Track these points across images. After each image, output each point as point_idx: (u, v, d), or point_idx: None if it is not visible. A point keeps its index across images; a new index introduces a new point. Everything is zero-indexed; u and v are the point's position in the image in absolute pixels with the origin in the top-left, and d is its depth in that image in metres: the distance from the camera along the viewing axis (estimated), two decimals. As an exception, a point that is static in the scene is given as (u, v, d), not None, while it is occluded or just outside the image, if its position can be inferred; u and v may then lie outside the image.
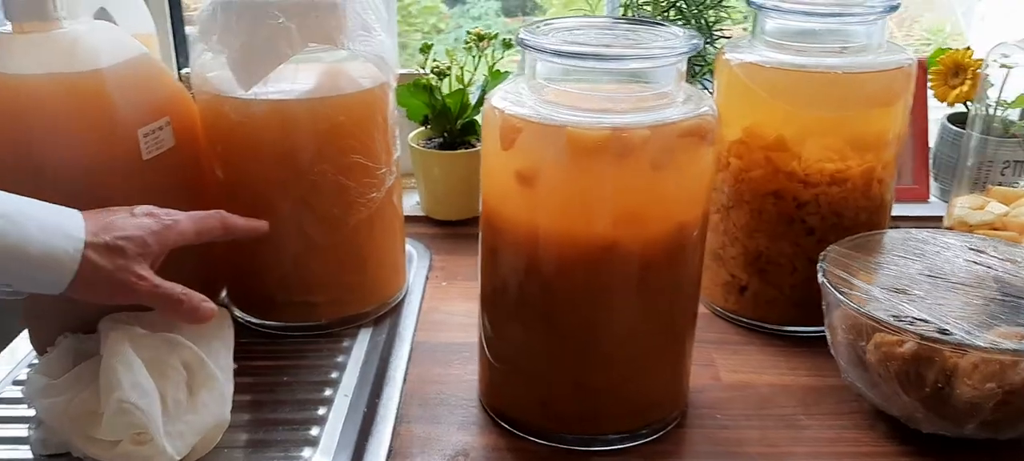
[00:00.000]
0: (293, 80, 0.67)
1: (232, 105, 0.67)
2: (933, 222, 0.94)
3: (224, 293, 0.80)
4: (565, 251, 0.57)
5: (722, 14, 0.97)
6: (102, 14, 0.72)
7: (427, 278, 0.88)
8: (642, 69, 0.55)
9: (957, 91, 0.93)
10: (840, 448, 0.63)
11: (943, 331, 0.57)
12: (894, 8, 0.69)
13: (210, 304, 0.60)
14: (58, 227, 0.54)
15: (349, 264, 0.75)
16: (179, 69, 1.14)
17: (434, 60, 0.96)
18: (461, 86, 0.97)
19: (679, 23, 0.96)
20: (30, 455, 0.61)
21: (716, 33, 0.97)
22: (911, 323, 0.58)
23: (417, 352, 0.75)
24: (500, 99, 0.57)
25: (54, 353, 0.62)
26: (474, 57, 0.97)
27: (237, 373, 0.66)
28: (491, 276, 0.62)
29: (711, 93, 0.79)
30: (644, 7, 0.97)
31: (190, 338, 0.61)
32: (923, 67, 1.02)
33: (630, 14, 0.98)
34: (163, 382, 0.58)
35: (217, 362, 0.62)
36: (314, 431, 0.64)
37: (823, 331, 0.67)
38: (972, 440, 0.61)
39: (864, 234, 0.71)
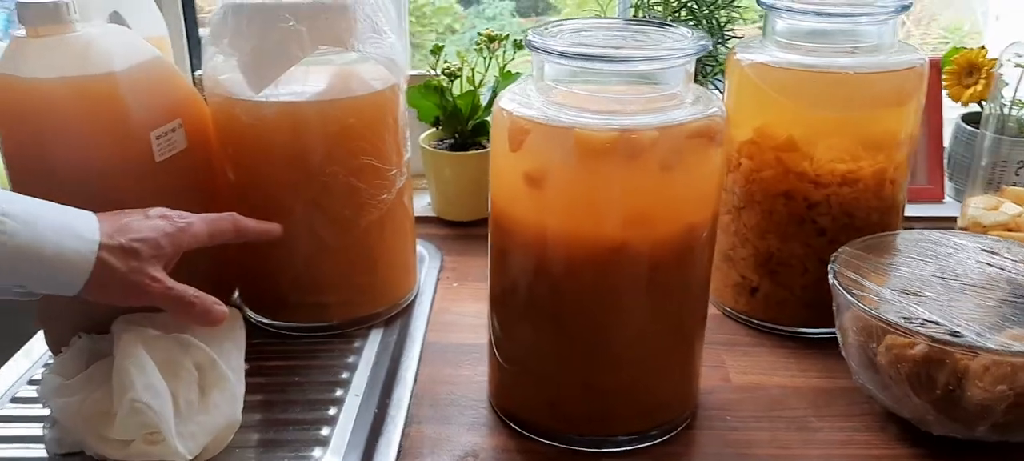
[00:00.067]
0: (304, 82, 0.68)
1: (243, 107, 0.67)
2: (947, 223, 0.93)
3: (236, 294, 0.81)
4: (574, 252, 0.57)
5: (733, 14, 0.96)
6: (115, 18, 0.73)
7: (438, 279, 0.88)
8: (650, 70, 0.55)
9: (971, 91, 0.93)
10: (851, 450, 0.62)
11: (954, 333, 0.57)
12: (906, 8, 0.69)
13: (222, 307, 0.61)
14: (72, 229, 0.55)
15: (360, 265, 0.76)
16: (193, 71, 1.15)
17: (445, 61, 0.97)
18: (472, 87, 0.97)
19: (690, 23, 0.95)
20: (45, 454, 0.61)
21: (728, 33, 0.97)
22: (922, 325, 0.58)
23: (428, 353, 0.75)
24: (508, 101, 0.57)
25: (68, 353, 0.63)
26: (485, 58, 0.97)
27: (249, 373, 0.66)
28: (500, 277, 0.63)
29: (722, 93, 0.78)
30: (655, 8, 0.96)
31: (202, 339, 0.62)
32: (937, 67, 1.01)
33: (641, 15, 0.98)
34: (175, 383, 0.59)
35: (229, 363, 0.63)
36: (325, 431, 0.64)
37: (834, 332, 0.67)
38: (983, 443, 0.60)
39: (876, 235, 0.71)
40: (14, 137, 0.62)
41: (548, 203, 0.56)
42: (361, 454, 0.61)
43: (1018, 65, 0.83)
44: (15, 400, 0.69)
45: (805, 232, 0.73)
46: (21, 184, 0.62)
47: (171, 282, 0.59)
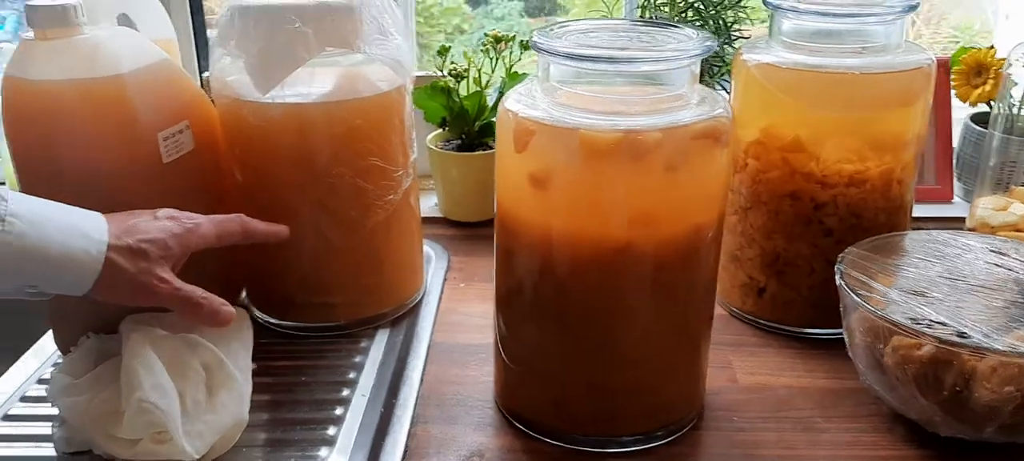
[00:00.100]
0: (310, 84, 0.68)
1: (250, 109, 0.68)
2: (956, 223, 0.93)
3: (244, 294, 0.81)
4: (579, 253, 0.57)
5: (740, 14, 0.96)
6: (124, 20, 0.73)
7: (445, 279, 0.88)
8: (655, 71, 0.55)
9: (979, 91, 0.92)
10: (858, 451, 0.62)
11: (961, 334, 0.57)
12: (913, 7, 0.68)
13: (229, 308, 0.61)
14: (81, 230, 0.55)
15: (367, 266, 0.76)
16: (201, 73, 1.16)
17: (452, 62, 0.97)
18: (478, 88, 0.97)
19: (696, 24, 0.95)
20: (54, 453, 0.62)
21: (735, 33, 0.97)
22: (929, 326, 0.58)
23: (434, 353, 0.75)
24: (514, 102, 0.57)
25: (77, 353, 0.63)
26: (492, 59, 0.97)
27: (256, 373, 0.66)
28: (506, 277, 0.63)
29: (729, 93, 0.78)
30: (661, 8, 0.96)
31: (209, 339, 0.62)
32: (946, 66, 1.01)
33: (648, 15, 0.98)
34: (183, 382, 0.59)
35: (236, 363, 0.63)
36: (331, 431, 0.64)
37: (841, 333, 0.67)
38: (991, 444, 0.60)
39: (883, 236, 0.70)
40: (23, 139, 0.63)
41: (553, 204, 0.57)
42: (367, 454, 0.62)
43: (1027, 65, 0.82)
44: (25, 399, 0.69)
45: (812, 233, 0.73)
46: (30, 185, 0.63)
47: (179, 283, 0.59)
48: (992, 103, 0.97)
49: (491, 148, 0.99)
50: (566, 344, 0.60)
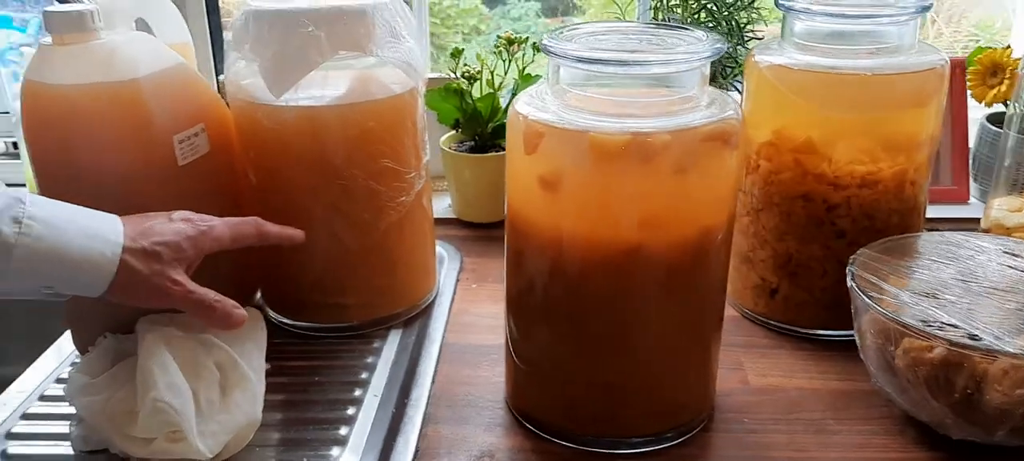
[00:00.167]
0: (323, 87, 0.69)
1: (264, 112, 0.68)
2: (972, 224, 0.92)
3: (258, 295, 0.82)
4: (589, 254, 0.57)
5: (753, 15, 0.96)
6: (141, 25, 0.74)
7: (458, 280, 0.89)
8: (665, 74, 0.55)
9: (995, 91, 0.92)
10: (869, 454, 0.62)
11: (973, 337, 0.56)
12: (926, 8, 0.68)
13: (241, 311, 0.61)
14: (97, 232, 0.56)
15: (380, 267, 0.76)
16: (217, 76, 1.17)
17: (465, 64, 0.97)
18: (491, 90, 0.98)
19: (709, 25, 0.95)
20: (71, 451, 0.63)
21: (748, 34, 0.96)
22: (940, 328, 0.58)
23: (446, 353, 0.75)
24: (524, 104, 0.58)
25: (94, 353, 0.64)
26: (504, 61, 0.97)
27: (270, 373, 0.67)
28: (516, 279, 0.63)
29: (742, 95, 0.78)
30: (674, 9, 0.96)
31: (224, 339, 0.63)
32: (962, 67, 1.00)
33: (661, 17, 0.98)
34: (197, 382, 0.60)
35: (250, 363, 0.64)
36: (343, 431, 0.65)
37: (853, 335, 0.66)
38: (1003, 447, 0.60)
39: (896, 237, 0.70)
40: (41, 142, 0.64)
41: (563, 206, 0.57)
42: (379, 454, 0.62)
43: (1043, 65, 0.81)
44: (43, 398, 0.70)
45: (824, 234, 0.73)
46: (48, 188, 0.64)
47: (193, 286, 0.60)
48: (1008, 103, 0.97)
49: (503, 150, 0.99)
50: (576, 345, 0.61)
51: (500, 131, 1.00)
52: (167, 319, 0.63)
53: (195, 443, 0.58)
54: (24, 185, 1.09)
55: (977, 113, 1.05)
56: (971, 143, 1.05)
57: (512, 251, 0.63)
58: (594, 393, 0.62)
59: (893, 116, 0.70)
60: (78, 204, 0.57)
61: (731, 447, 0.63)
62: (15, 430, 0.66)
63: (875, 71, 0.68)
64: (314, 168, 0.70)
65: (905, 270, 0.66)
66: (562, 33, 0.57)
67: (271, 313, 0.80)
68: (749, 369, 0.72)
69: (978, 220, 0.91)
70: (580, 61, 0.54)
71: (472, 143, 1.01)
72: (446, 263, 0.92)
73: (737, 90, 0.97)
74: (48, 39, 0.62)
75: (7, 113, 1.25)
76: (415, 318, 0.81)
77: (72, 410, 0.63)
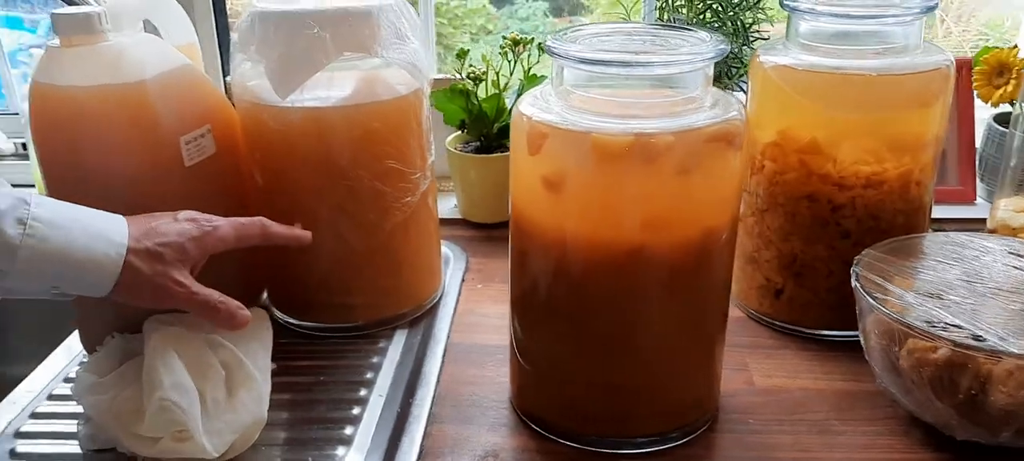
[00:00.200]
0: (329, 88, 0.69)
1: (270, 113, 0.69)
2: (979, 224, 0.92)
3: (265, 295, 0.82)
4: (592, 255, 0.57)
5: (759, 16, 0.96)
6: (148, 26, 0.75)
7: (463, 280, 0.89)
8: (668, 75, 0.55)
9: (1001, 91, 0.91)
10: (873, 454, 0.62)
11: (977, 337, 0.56)
12: (931, 8, 0.68)
13: (245, 312, 0.62)
14: (101, 233, 0.56)
15: (385, 267, 0.77)
16: (224, 77, 1.17)
17: (470, 65, 0.98)
18: (497, 91, 0.98)
19: (715, 25, 0.95)
20: (79, 450, 0.63)
21: (753, 34, 0.96)
22: (944, 329, 0.58)
23: (451, 353, 0.76)
24: (528, 105, 0.58)
25: (102, 352, 0.65)
26: (510, 62, 0.97)
27: (276, 373, 0.68)
28: (520, 279, 0.63)
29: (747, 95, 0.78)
30: (680, 9, 0.96)
31: (230, 339, 0.64)
32: (969, 67, 1.00)
33: (666, 17, 0.98)
34: (203, 382, 0.61)
35: (255, 363, 0.64)
36: (348, 430, 0.65)
37: (859, 335, 0.66)
38: (1008, 448, 0.59)
39: (901, 238, 0.70)
40: (49, 144, 0.64)
41: (566, 206, 0.57)
42: (383, 453, 0.63)
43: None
44: (52, 397, 0.71)
45: (829, 234, 0.72)
46: (57, 190, 0.64)
47: (197, 287, 0.60)
48: (1014, 103, 0.96)
49: (509, 150, 0.99)
50: (580, 345, 0.61)
51: (506, 132, 1.00)
52: (174, 319, 0.64)
53: (201, 442, 0.58)
54: (33, 186, 1.10)
55: (984, 113, 1.04)
56: (978, 143, 1.05)
57: (516, 251, 0.63)
58: (598, 393, 0.62)
59: (898, 116, 0.70)
60: (86, 205, 0.58)
61: (735, 447, 0.63)
62: (24, 429, 0.67)
63: (880, 71, 0.68)
64: (319, 169, 0.71)
65: (910, 271, 0.66)
66: (566, 34, 0.57)
67: (277, 313, 0.80)
68: (754, 370, 0.72)
69: (985, 220, 0.90)
70: (583, 62, 0.54)
71: (478, 144, 1.02)
72: (452, 263, 0.92)
73: (742, 90, 0.97)
74: (56, 41, 0.62)
75: (16, 114, 1.26)
76: (420, 318, 0.81)
77: (80, 409, 0.63)
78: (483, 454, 0.63)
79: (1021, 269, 0.65)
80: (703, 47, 0.55)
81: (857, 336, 0.67)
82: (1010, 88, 0.92)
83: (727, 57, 0.97)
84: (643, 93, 0.57)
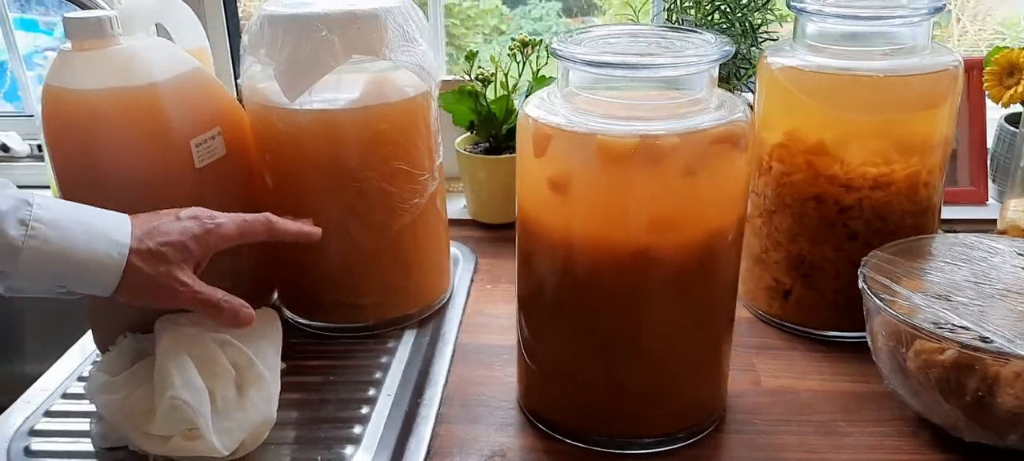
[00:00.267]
0: (337, 90, 0.69)
1: (279, 115, 0.69)
2: (990, 225, 0.91)
3: (275, 295, 0.83)
4: (598, 256, 0.58)
5: (768, 17, 0.96)
6: (160, 30, 0.76)
7: (472, 281, 0.90)
8: (673, 76, 0.56)
9: (1012, 91, 0.91)
10: (880, 456, 0.62)
11: (984, 339, 0.56)
12: (938, 9, 0.68)
13: (249, 310, 0.62)
14: (104, 233, 0.57)
15: (394, 268, 0.77)
16: (236, 80, 1.18)
17: (479, 67, 0.98)
18: (506, 92, 0.98)
19: (723, 26, 0.95)
20: (92, 448, 0.64)
21: (762, 35, 0.96)
22: (952, 330, 0.57)
23: (460, 353, 0.76)
24: (534, 107, 0.58)
25: (114, 351, 0.66)
26: (519, 63, 0.98)
27: (286, 372, 0.68)
28: (527, 280, 0.64)
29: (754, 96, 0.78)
30: (688, 11, 0.96)
31: (240, 339, 0.64)
32: (980, 67, 0.99)
33: (674, 18, 0.98)
34: (213, 381, 0.61)
35: (265, 362, 0.65)
36: (357, 430, 0.66)
37: (866, 337, 0.66)
38: (1017, 452, 0.59)
39: (909, 239, 0.70)
40: (63, 147, 0.65)
41: (572, 208, 0.57)
42: (392, 452, 0.63)
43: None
44: (66, 396, 0.72)
45: (837, 236, 0.72)
46: (70, 192, 0.65)
47: (200, 286, 0.60)
48: (1026, 103, 0.96)
49: (518, 151, 0.99)
50: (587, 346, 0.61)
51: (514, 133, 1.00)
52: (185, 318, 0.64)
53: (211, 441, 0.59)
54: (48, 187, 1.11)
55: (996, 113, 1.04)
56: (989, 144, 1.04)
57: (523, 252, 0.63)
58: (605, 393, 0.62)
59: (906, 118, 0.70)
60: (99, 207, 0.58)
61: (742, 448, 0.63)
62: (38, 427, 0.68)
63: (888, 73, 0.68)
64: (328, 170, 0.71)
65: (918, 272, 0.66)
66: (572, 37, 0.58)
67: (287, 313, 0.81)
68: (761, 370, 0.73)
69: (996, 221, 0.90)
70: (588, 65, 0.54)
71: (487, 145, 1.02)
72: (461, 264, 0.93)
73: (751, 91, 0.97)
74: (68, 45, 0.63)
75: (32, 116, 1.28)
76: (429, 318, 0.82)
77: (93, 408, 0.64)
78: (490, 454, 0.63)
79: (1030, 270, 0.65)
80: (708, 49, 0.55)
81: (865, 337, 0.67)
82: (1020, 88, 0.91)
83: (736, 58, 0.97)
84: (649, 95, 0.57)
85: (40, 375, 0.75)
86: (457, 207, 1.07)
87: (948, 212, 0.94)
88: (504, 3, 1.97)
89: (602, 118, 0.55)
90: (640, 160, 0.54)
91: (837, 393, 0.69)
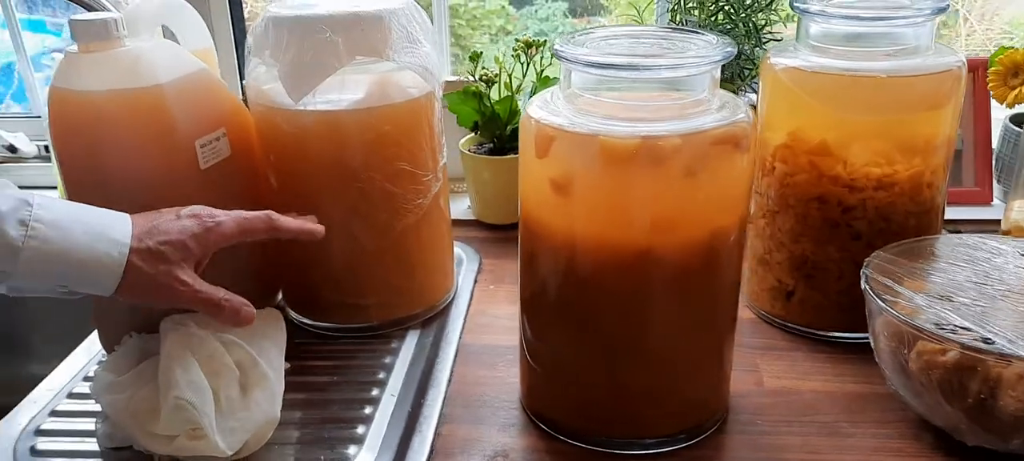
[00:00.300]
0: (341, 91, 0.70)
1: (284, 116, 0.70)
2: (996, 226, 0.91)
3: (280, 296, 0.83)
4: (601, 256, 0.58)
5: (772, 17, 0.96)
6: (166, 32, 0.76)
7: (476, 281, 0.90)
8: (674, 77, 0.56)
9: (1016, 92, 0.90)
10: (883, 457, 0.62)
11: (986, 340, 0.56)
12: (941, 10, 0.68)
13: (250, 309, 0.63)
14: (104, 233, 0.57)
15: (397, 268, 0.78)
16: (242, 81, 1.19)
17: (483, 68, 0.98)
18: (510, 93, 0.98)
19: (727, 27, 0.95)
20: (97, 447, 0.65)
21: (766, 36, 0.96)
22: (953, 331, 0.57)
23: (463, 354, 0.76)
24: (536, 109, 0.58)
25: (120, 351, 0.66)
26: (523, 64, 0.98)
27: (291, 372, 0.69)
28: (530, 280, 0.64)
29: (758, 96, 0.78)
30: (691, 11, 0.96)
31: (244, 339, 0.64)
32: (985, 67, 0.99)
33: (678, 18, 0.98)
34: (217, 381, 0.62)
35: (269, 362, 0.65)
36: (361, 429, 0.66)
37: (870, 338, 0.66)
38: (1019, 457, 0.59)
39: (912, 240, 0.70)
40: (69, 148, 0.65)
41: (574, 208, 0.57)
42: (395, 452, 0.63)
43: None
44: (71, 395, 0.72)
45: (840, 236, 0.72)
46: (76, 193, 0.65)
47: (200, 284, 0.60)
48: (1031, 104, 0.95)
49: (522, 152, 1.00)
50: (589, 346, 0.61)
51: (518, 134, 1.01)
52: (190, 318, 0.65)
53: (215, 440, 0.59)
54: (55, 188, 1.12)
55: (1001, 113, 1.04)
56: (995, 144, 1.04)
57: (525, 253, 0.63)
58: (607, 394, 0.62)
59: (909, 118, 0.70)
60: (105, 207, 0.59)
61: (745, 448, 0.64)
62: (44, 426, 0.68)
63: (890, 73, 0.68)
64: (332, 171, 0.72)
65: (920, 273, 0.66)
66: (574, 38, 0.58)
67: (292, 313, 0.81)
68: (765, 371, 0.73)
69: (1001, 222, 0.90)
70: (590, 66, 0.54)
71: (491, 145, 1.02)
72: (465, 264, 0.93)
73: (755, 92, 0.97)
74: (74, 47, 0.63)
75: (39, 117, 1.28)
76: (433, 319, 0.82)
77: (98, 407, 0.64)
78: (493, 454, 0.63)
79: (1033, 271, 0.65)
80: (709, 50, 0.55)
81: (868, 338, 0.67)
82: (1025, 89, 0.91)
83: (740, 58, 0.97)
84: (650, 96, 0.57)
85: (46, 375, 0.75)
86: (461, 208, 1.08)
87: (953, 213, 0.94)
88: (510, 3, 1.97)
89: (604, 119, 0.55)
90: (642, 161, 0.54)
91: (840, 394, 0.69)
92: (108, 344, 0.70)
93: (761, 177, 0.76)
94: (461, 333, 0.80)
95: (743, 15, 0.94)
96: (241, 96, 0.75)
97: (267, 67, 0.70)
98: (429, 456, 0.63)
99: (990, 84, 0.94)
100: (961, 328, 0.58)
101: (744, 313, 0.81)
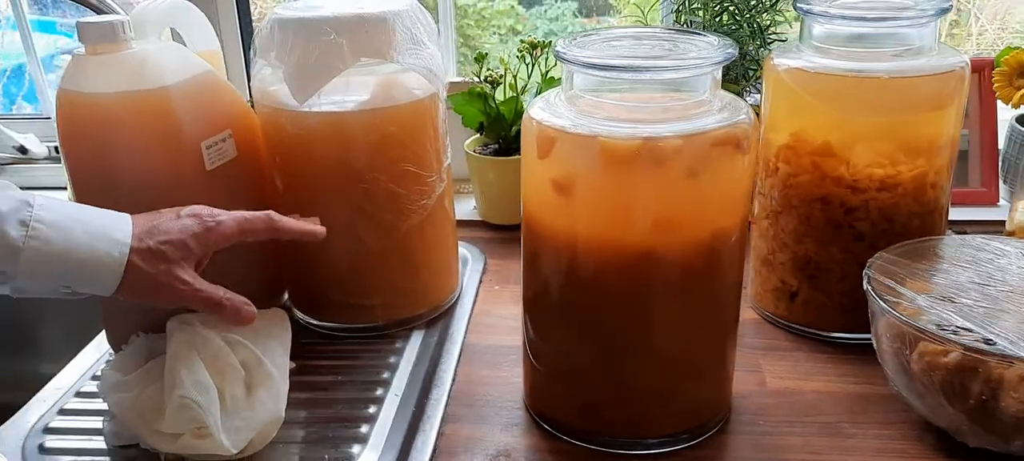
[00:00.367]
0: (346, 92, 0.70)
1: (289, 117, 0.70)
2: (1001, 227, 0.91)
3: (286, 296, 0.84)
4: (602, 257, 0.58)
5: (777, 18, 0.96)
6: (173, 34, 0.77)
7: (480, 281, 0.90)
8: (675, 79, 0.56)
9: (1021, 92, 0.90)
10: (884, 459, 0.62)
11: (988, 341, 0.56)
12: (945, 10, 0.68)
13: (251, 308, 0.63)
14: (105, 233, 0.57)
15: (402, 268, 0.78)
16: (249, 82, 1.19)
17: (488, 69, 0.99)
18: (514, 94, 0.99)
19: (731, 27, 0.95)
20: (104, 445, 0.65)
21: (770, 36, 0.96)
22: (955, 332, 0.57)
23: (467, 354, 0.77)
24: (538, 110, 0.59)
25: (127, 351, 0.67)
26: (528, 65, 0.98)
27: (296, 371, 0.69)
28: (532, 281, 0.64)
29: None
30: (696, 12, 0.97)
31: (249, 339, 0.65)
32: (991, 67, 0.99)
33: (683, 19, 0.98)
34: (222, 380, 0.62)
35: (274, 361, 0.66)
36: (364, 429, 0.66)
37: (872, 339, 0.66)
38: (1021, 458, 0.59)
39: (915, 240, 0.70)
40: (77, 150, 0.66)
41: (576, 209, 0.58)
42: (398, 451, 0.64)
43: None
44: (79, 394, 0.73)
45: (843, 237, 0.72)
46: (84, 195, 0.66)
47: (201, 284, 0.61)
48: (1037, 105, 0.95)
49: (527, 152, 1.00)
50: (591, 347, 0.62)
51: (523, 134, 1.01)
52: (196, 318, 0.65)
53: (220, 439, 0.60)
54: (65, 189, 1.12)
55: (1007, 114, 1.03)
56: (1001, 144, 1.04)
57: (528, 254, 0.64)
58: (609, 394, 0.63)
59: (912, 119, 0.70)
60: (112, 208, 0.59)
61: (747, 449, 0.64)
62: (52, 425, 0.69)
63: (894, 74, 0.68)
64: (337, 172, 0.72)
65: (923, 273, 0.66)
66: (576, 39, 0.58)
67: (297, 313, 0.82)
68: (767, 371, 0.73)
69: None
70: (591, 67, 0.55)
71: (496, 146, 1.03)
72: (470, 264, 0.93)
73: (760, 93, 0.97)
74: (82, 50, 0.64)
75: (49, 118, 1.29)
76: (437, 319, 0.82)
77: (106, 406, 0.65)
78: (495, 453, 0.64)
79: (1036, 272, 0.65)
80: (711, 51, 0.55)
81: (871, 339, 0.67)
82: (1031, 89, 0.91)
83: (744, 59, 0.97)
84: (652, 97, 0.58)
85: (55, 374, 0.76)
86: (467, 208, 1.08)
87: (959, 213, 0.94)
88: (520, 3, 1.97)
89: (605, 120, 0.55)
90: (643, 162, 0.54)
91: (843, 395, 0.69)
92: (116, 343, 0.70)
93: (764, 178, 0.76)
94: (465, 333, 0.80)
95: (748, 16, 0.94)
96: (248, 98, 0.75)
97: (272, 69, 0.70)
98: (432, 455, 0.63)
99: (996, 84, 0.93)
100: (963, 329, 0.58)
101: (747, 313, 0.81)
